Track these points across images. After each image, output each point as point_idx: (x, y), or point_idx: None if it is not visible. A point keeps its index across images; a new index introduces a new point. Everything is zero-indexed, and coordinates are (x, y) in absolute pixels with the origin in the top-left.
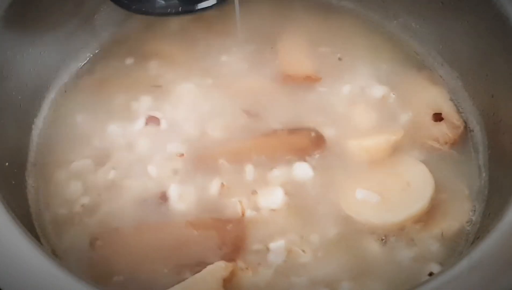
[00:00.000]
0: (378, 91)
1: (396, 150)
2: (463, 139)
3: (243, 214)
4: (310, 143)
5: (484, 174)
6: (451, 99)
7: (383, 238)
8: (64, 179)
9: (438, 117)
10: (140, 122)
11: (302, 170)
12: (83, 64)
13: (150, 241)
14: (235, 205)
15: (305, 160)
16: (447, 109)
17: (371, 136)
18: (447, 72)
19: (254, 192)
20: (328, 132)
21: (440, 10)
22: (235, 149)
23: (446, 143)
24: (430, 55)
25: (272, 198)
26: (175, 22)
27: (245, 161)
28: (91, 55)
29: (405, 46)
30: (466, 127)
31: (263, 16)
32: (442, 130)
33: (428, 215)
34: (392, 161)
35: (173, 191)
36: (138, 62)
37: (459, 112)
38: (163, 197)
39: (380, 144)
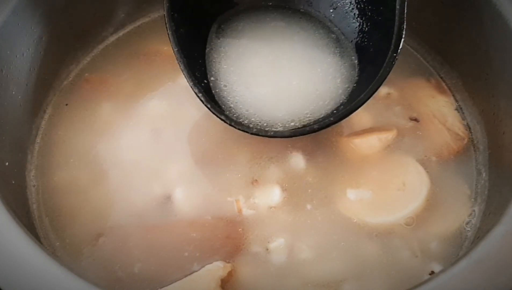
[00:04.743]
0: (381, 92)
1: (392, 149)
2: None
3: (239, 212)
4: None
5: (484, 174)
6: (457, 109)
7: (381, 237)
8: (65, 179)
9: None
10: (144, 125)
11: (297, 166)
12: (83, 64)
13: (152, 240)
14: (235, 204)
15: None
16: (452, 119)
17: (363, 134)
18: (447, 72)
19: (252, 190)
20: (326, 131)
21: (440, 9)
22: (234, 149)
23: (449, 154)
24: (430, 55)
25: (270, 195)
26: None
27: (243, 160)
28: (92, 56)
29: (404, 46)
30: (470, 138)
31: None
32: (446, 141)
33: (428, 215)
34: (388, 160)
35: (178, 193)
36: (139, 63)
37: (466, 125)
38: (168, 199)
39: (371, 141)
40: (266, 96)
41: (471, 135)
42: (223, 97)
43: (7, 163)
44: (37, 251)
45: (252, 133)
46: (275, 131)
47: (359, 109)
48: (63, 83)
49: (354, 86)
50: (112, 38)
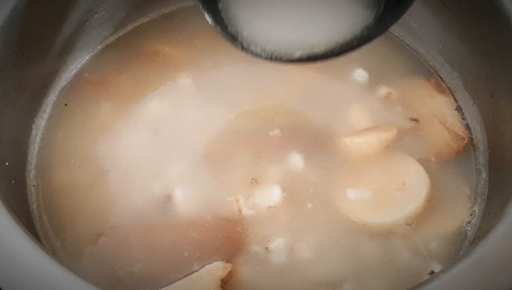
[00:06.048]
0: (381, 91)
1: (392, 150)
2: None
3: (239, 212)
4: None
5: (484, 174)
6: (457, 109)
7: (381, 237)
8: (65, 179)
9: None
10: (144, 125)
11: (297, 166)
12: (83, 64)
13: (152, 240)
14: (234, 204)
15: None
16: (452, 119)
17: (363, 134)
18: (447, 72)
19: (251, 190)
20: (325, 130)
21: (440, 9)
22: (233, 149)
23: (449, 154)
24: (430, 55)
25: (270, 195)
26: (176, 23)
27: (242, 160)
28: (92, 55)
29: (405, 46)
30: (470, 138)
31: None
32: (446, 141)
33: (428, 215)
34: (388, 160)
35: (178, 193)
36: (139, 63)
37: (466, 125)
38: (168, 198)
39: (371, 141)
40: (283, 21)
41: (471, 135)
42: (235, 24)
43: (7, 163)
44: (37, 251)
45: (265, 59)
46: (292, 57)
47: (360, 109)
48: (63, 83)
49: (380, 11)
50: (112, 38)
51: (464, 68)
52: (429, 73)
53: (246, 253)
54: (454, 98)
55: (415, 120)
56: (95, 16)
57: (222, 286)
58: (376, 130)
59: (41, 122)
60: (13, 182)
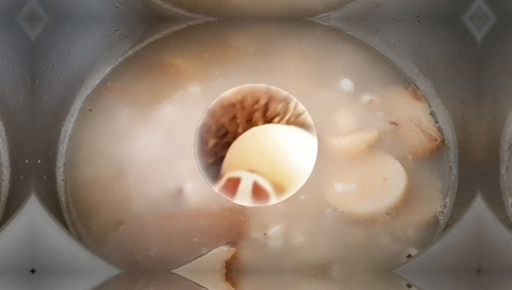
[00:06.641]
0: (365, 98)
1: (374, 149)
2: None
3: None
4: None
5: (454, 170)
6: (431, 114)
7: (365, 225)
8: (90, 175)
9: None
10: (159, 128)
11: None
12: (106, 74)
13: (166, 228)
14: None
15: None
16: (427, 123)
17: (349, 135)
18: (422, 81)
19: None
20: (316, 132)
21: (416, 27)
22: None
23: (424, 152)
24: (408, 67)
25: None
26: (187, 38)
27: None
28: (113, 67)
29: (385, 59)
30: (442, 139)
31: (257, 35)
32: (421, 141)
33: (405, 206)
34: (371, 158)
35: (188, 187)
36: (155, 74)
37: (439, 128)
38: (180, 191)
39: (356, 141)
40: None
41: (443, 136)
42: None
43: (39, 161)
44: (65, 237)
45: None
46: None
47: (346, 114)
48: (88, 91)
49: None
50: (131, 52)
51: (437, 78)
52: (406, 83)
53: (247, 238)
54: (429, 104)
55: (394, 123)
56: (116, 32)
57: (226, 268)
58: (360, 132)
59: (69, 125)
60: (45, 177)
